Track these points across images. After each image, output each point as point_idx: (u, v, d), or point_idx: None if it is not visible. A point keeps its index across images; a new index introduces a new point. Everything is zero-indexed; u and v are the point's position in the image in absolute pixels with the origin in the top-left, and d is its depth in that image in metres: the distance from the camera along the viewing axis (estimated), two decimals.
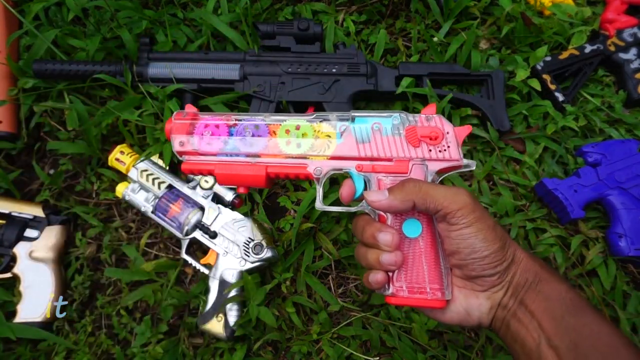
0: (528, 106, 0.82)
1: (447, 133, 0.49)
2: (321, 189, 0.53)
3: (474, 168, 0.50)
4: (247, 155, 0.53)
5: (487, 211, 0.46)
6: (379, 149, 0.50)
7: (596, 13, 0.88)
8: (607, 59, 0.85)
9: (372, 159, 0.51)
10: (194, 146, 0.53)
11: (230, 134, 0.53)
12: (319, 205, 0.53)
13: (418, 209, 0.46)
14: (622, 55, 0.84)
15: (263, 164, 0.52)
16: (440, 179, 0.51)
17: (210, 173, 0.54)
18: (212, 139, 0.53)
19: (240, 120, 0.53)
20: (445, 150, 0.49)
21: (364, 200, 0.51)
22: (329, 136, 0.51)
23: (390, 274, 0.48)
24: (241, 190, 0.54)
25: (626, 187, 0.75)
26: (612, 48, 0.84)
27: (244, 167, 0.53)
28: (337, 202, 0.78)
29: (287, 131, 0.52)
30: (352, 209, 0.53)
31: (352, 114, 0.51)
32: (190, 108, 0.56)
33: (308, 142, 0.52)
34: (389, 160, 0.50)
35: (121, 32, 0.83)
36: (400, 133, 0.50)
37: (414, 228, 0.48)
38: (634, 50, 0.84)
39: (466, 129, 0.50)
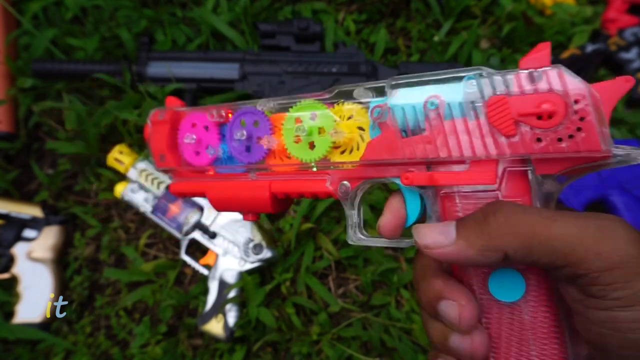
0: None
1: (577, 101, 0.24)
2: (356, 214, 0.34)
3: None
4: (247, 167, 0.37)
5: None
6: (439, 143, 0.28)
7: (597, 12, 0.88)
8: (608, 59, 0.84)
9: (428, 162, 0.30)
10: (177, 160, 0.39)
11: (223, 136, 0.37)
12: (352, 237, 0.34)
13: (518, 262, 0.26)
14: (624, 55, 0.83)
15: (266, 179, 0.36)
16: (561, 188, 0.28)
17: (202, 195, 0.39)
18: (199, 147, 0.38)
19: (235, 111, 0.37)
20: (573, 134, 0.25)
21: None
22: (361, 128, 0.32)
23: None
24: (248, 217, 0.39)
25: (628, 187, 0.75)
26: (614, 47, 0.83)
27: (241, 186, 0.37)
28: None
29: (299, 120, 0.34)
30: (403, 244, 0.33)
31: (392, 81, 0.31)
32: (171, 103, 0.41)
33: (325, 141, 0.33)
34: (460, 162, 0.28)
35: (120, 31, 0.83)
36: (479, 112, 0.27)
37: (510, 285, 0.28)
38: (635, 50, 0.83)
39: (621, 84, 0.25)
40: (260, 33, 0.82)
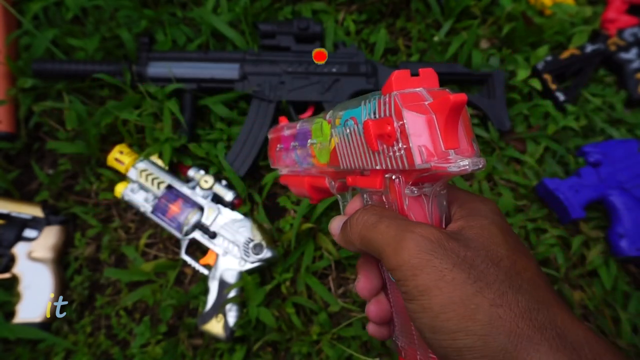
0: (529, 106, 0.82)
1: (401, 124, 0.28)
2: (340, 203, 0.43)
3: (474, 168, 0.27)
4: (303, 168, 0.46)
5: (469, 273, 0.26)
6: (350, 156, 0.35)
7: (597, 13, 0.88)
8: (608, 59, 0.84)
9: (351, 171, 0.37)
10: (275, 161, 0.53)
11: (295, 140, 0.47)
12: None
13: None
14: (623, 55, 0.83)
15: (307, 174, 0.46)
16: (433, 189, 0.31)
17: (286, 185, 0.52)
18: (283, 152, 0.50)
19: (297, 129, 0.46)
20: (400, 152, 0.28)
21: None
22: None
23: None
24: (311, 201, 0.49)
25: (627, 187, 0.75)
26: (613, 48, 0.84)
27: (298, 180, 0.48)
28: (336, 211, 0.77)
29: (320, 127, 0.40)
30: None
31: (336, 110, 0.37)
32: (282, 121, 0.53)
33: (321, 144, 0.40)
34: (366, 171, 0.35)
35: (120, 31, 0.83)
36: (360, 131, 0.32)
37: None
38: (634, 50, 0.83)
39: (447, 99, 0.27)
40: (260, 33, 0.82)
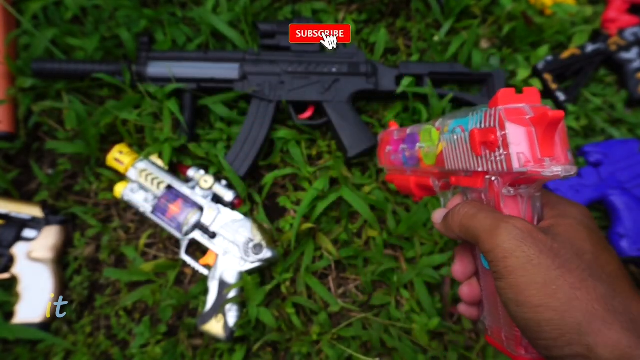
0: None
1: (503, 133, 0.32)
2: (442, 202, 0.48)
3: (566, 174, 0.31)
4: (410, 168, 0.52)
5: (558, 260, 0.30)
6: (456, 160, 0.40)
7: (598, 12, 0.88)
8: (608, 59, 0.84)
9: (456, 172, 0.41)
10: (384, 161, 0.60)
11: (404, 143, 0.53)
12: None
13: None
14: (624, 55, 0.83)
15: (413, 174, 0.52)
16: (529, 190, 0.35)
17: (392, 182, 0.59)
18: (392, 154, 0.56)
19: (406, 133, 0.52)
20: (501, 157, 0.33)
21: None
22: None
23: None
24: (414, 198, 0.55)
25: (628, 187, 0.75)
26: (614, 47, 0.83)
27: (404, 179, 0.54)
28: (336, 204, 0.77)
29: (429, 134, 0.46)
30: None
31: (446, 119, 0.43)
32: (391, 125, 0.60)
33: (429, 147, 0.45)
34: (469, 172, 0.39)
35: (120, 31, 0.83)
36: (467, 138, 0.37)
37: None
38: (635, 50, 0.83)
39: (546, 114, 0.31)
40: (260, 33, 0.82)
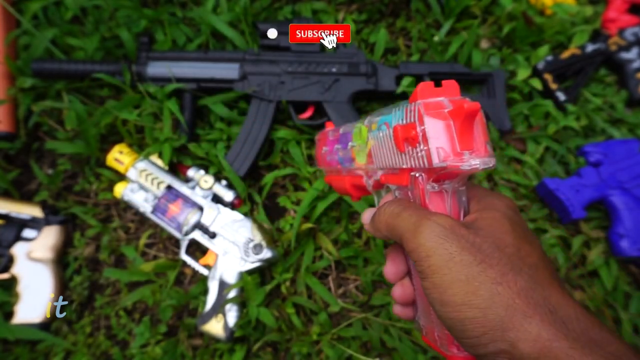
0: (529, 106, 0.82)
1: (422, 128, 0.32)
2: (376, 200, 0.47)
3: (485, 167, 0.31)
4: (345, 168, 0.51)
5: (476, 259, 0.29)
6: (381, 156, 0.40)
7: (598, 12, 0.88)
8: (608, 59, 0.84)
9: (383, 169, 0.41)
10: (320, 162, 0.59)
11: (337, 148, 0.52)
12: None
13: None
14: (624, 55, 0.83)
15: (347, 175, 0.51)
16: (454, 185, 0.35)
17: (330, 184, 0.58)
18: (327, 154, 0.55)
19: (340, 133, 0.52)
20: (422, 152, 0.32)
21: None
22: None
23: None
24: (352, 199, 0.54)
25: (628, 187, 0.75)
26: (614, 47, 0.83)
27: (340, 179, 0.53)
28: (337, 202, 0.77)
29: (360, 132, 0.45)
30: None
31: (371, 117, 0.42)
32: (328, 126, 0.59)
33: (360, 146, 0.45)
34: (396, 169, 0.38)
35: (120, 31, 0.83)
36: (391, 135, 0.37)
37: None
38: (635, 50, 0.83)
39: (454, 113, 0.31)
40: (260, 33, 0.82)
